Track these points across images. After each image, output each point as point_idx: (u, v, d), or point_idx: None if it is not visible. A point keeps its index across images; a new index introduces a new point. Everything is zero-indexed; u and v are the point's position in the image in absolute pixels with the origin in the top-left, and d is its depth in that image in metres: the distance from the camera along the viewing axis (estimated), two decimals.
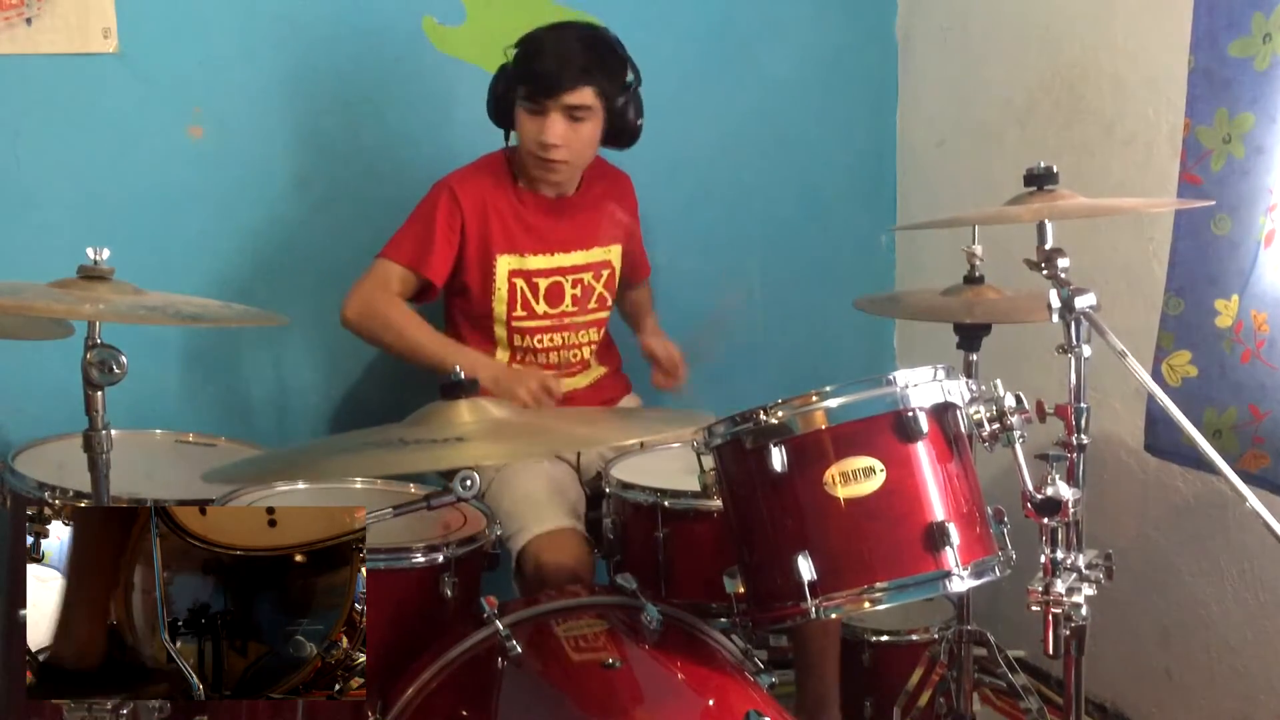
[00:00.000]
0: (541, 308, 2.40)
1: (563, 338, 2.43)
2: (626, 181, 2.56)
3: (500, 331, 2.41)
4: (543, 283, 2.40)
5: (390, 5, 2.70)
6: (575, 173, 2.37)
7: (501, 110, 2.34)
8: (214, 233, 2.60)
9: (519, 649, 1.61)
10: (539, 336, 2.41)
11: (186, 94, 2.55)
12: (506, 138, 2.41)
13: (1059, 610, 1.60)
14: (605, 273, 2.47)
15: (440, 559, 1.83)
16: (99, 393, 1.51)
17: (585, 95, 2.23)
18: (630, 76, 2.32)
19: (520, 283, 2.38)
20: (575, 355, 2.46)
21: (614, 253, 2.49)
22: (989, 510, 1.66)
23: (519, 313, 2.39)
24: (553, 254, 2.40)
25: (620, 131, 2.34)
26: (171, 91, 2.53)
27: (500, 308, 2.39)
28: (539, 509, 2.18)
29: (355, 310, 2.32)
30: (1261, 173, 2.16)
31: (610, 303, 2.51)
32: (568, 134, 2.25)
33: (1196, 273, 2.27)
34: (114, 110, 2.50)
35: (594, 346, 2.50)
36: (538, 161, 2.29)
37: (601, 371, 2.54)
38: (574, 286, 2.43)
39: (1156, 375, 2.30)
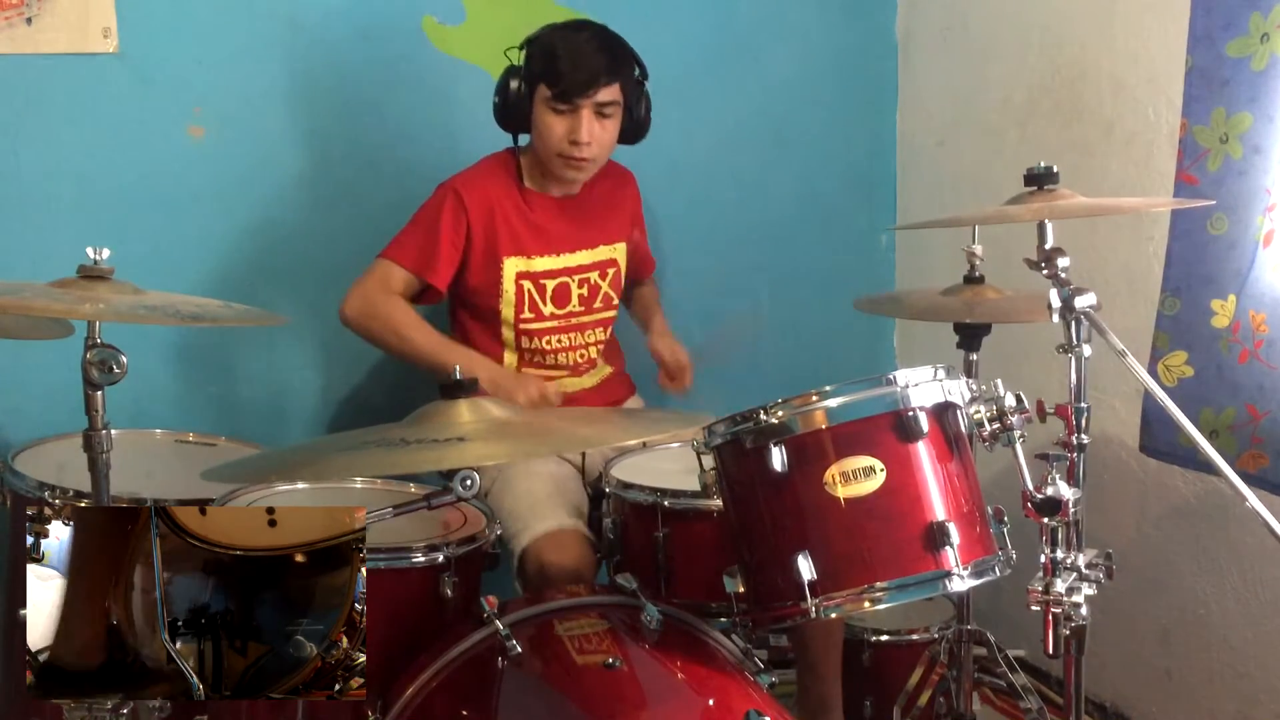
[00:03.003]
0: (549, 309, 2.40)
1: (569, 338, 2.43)
2: (630, 178, 2.56)
3: (507, 334, 2.40)
4: (550, 284, 2.40)
5: (390, 5, 2.70)
6: (594, 171, 2.37)
7: (516, 113, 2.32)
8: (214, 232, 2.60)
9: (519, 649, 1.61)
10: (546, 338, 2.41)
11: (186, 94, 2.55)
12: (515, 139, 2.40)
13: (1059, 610, 1.60)
14: (611, 271, 2.47)
15: (440, 559, 1.83)
16: (99, 392, 1.51)
17: (614, 92, 2.26)
18: (638, 72, 2.34)
19: (528, 284, 2.38)
20: (582, 355, 2.46)
21: (619, 251, 2.49)
22: (989, 510, 1.66)
23: (526, 314, 2.39)
24: (559, 254, 2.40)
25: (635, 126, 2.36)
26: (171, 91, 2.54)
27: (508, 310, 2.38)
28: (540, 508, 2.18)
29: (355, 309, 2.31)
30: (1259, 173, 2.16)
31: (616, 302, 2.51)
32: (597, 131, 2.26)
33: (1192, 273, 2.27)
34: (114, 110, 2.50)
35: (600, 346, 2.49)
36: (565, 161, 2.29)
37: (607, 372, 2.54)
38: (580, 286, 2.43)
39: (1153, 375, 2.29)
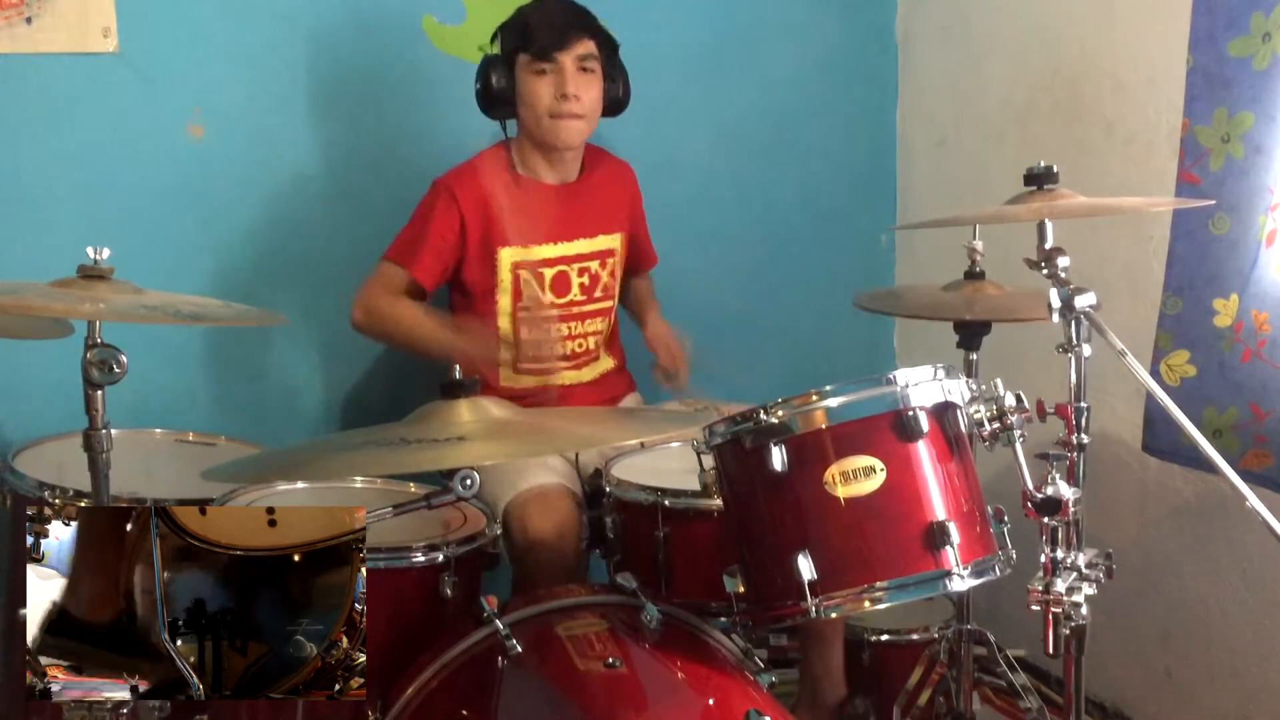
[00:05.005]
0: (549, 298, 2.40)
1: (569, 328, 2.43)
2: (628, 168, 2.58)
3: (505, 324, 2.40)
4: (549, 272, 2.40)
5: (390, 5, 2.70)
6: (586, 134, 2.37)
7: (499, 94, 2.34)
8: (214, 232, 2.60)
9: (519, 648, 1.61)
10: (546, 327, 2.41)
11: (186, 94, 2.55)
12: (504, 129, 2.42)
13: (1059, 610, 1.60)
14: (611, 261, 2.48)
15: (440, 558, 1.83)
16: (99, 392, 1.51)
17: (590, 46, 2.31)
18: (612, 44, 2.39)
19: (525, 274, 2.38)
20: (581, 345, 2.46)
21: (618, 241, 2.50)
22: (989, 509, 1.66)
23: (524, 304, 2.39)
24: (557, 243, 2.40)
25: (615, 96, 2.38)
26: (171, 91, 2.53)
27: (505, 300, 2.39)
28: (525, 470, 2.19)
29: (361, 311, 2.35)
30: (1261, 172, 2.15)
31: (615, 292, 2.51)
32: (582, 85, 2.29)
33: (1194, 272, 2.27)
34: (114, 110, 2.50)
35: (600, 337, 2.50)
36: (554, 123, 2.30)
37: (607, 366, 2.54)
38: (580, 275, 2.43)
39: (1155, 375, 2.29)
